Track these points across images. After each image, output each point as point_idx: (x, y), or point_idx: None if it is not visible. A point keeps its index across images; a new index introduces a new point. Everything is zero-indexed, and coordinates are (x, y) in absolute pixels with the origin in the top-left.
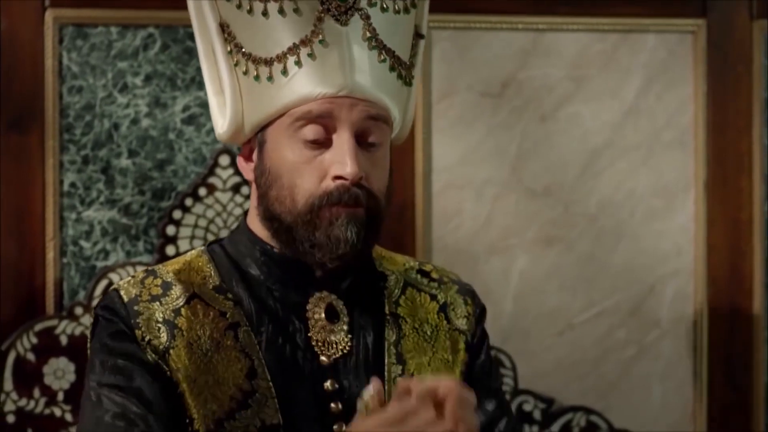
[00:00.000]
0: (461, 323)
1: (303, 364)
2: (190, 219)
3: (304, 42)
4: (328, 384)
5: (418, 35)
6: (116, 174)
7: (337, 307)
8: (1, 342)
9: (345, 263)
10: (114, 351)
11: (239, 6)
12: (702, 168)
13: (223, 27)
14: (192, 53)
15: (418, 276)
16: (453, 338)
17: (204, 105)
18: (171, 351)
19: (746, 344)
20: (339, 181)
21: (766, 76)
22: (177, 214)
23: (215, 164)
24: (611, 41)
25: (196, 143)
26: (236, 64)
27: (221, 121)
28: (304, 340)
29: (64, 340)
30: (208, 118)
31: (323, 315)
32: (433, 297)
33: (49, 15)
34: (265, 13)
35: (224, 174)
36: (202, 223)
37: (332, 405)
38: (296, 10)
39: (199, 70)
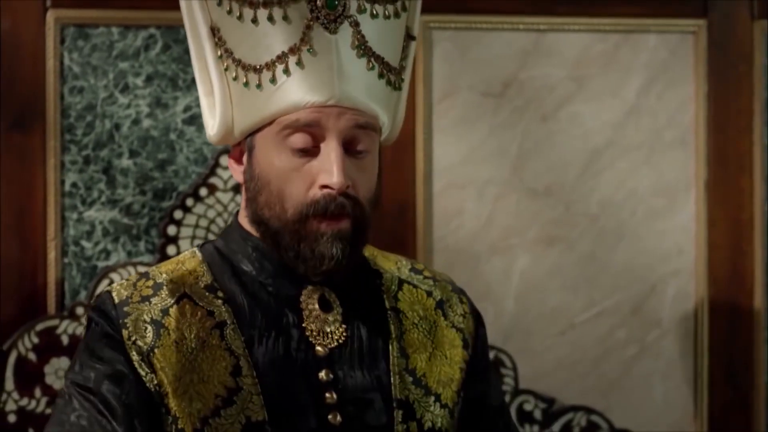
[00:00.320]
0: (458, 320)
1: (296, 356)
2: (191, 219)
3: (293, 50)
4: (322, 374)
5: (409, 37)
6: (117, 174)
7: (329, 298)
8: (3, 342)
9: (329, 276)
10: (95, 354)
11: (230, 12)
12: (703, 168)
13: (214, 31)
14: None
15: (412, 273)
16: (450, 335)
17: None
18: (156, 350)
19: (747, 344)
20: (326, 190)
21: (766, 75)
22: (178, 214)
23: (216, 164)
24: (612, 41)
25: (197, 143)
26: (226, 69)
27: (211, 123)
28: (298, 332)
29: (65, 339)
30: None
31: (317, 305)
32: (429, 293)
33: (51, 15)
34: (254, 20)
35: (225, 174)
36: (203, 223)
37: (327, 395)
38: (285, 18)
39: None
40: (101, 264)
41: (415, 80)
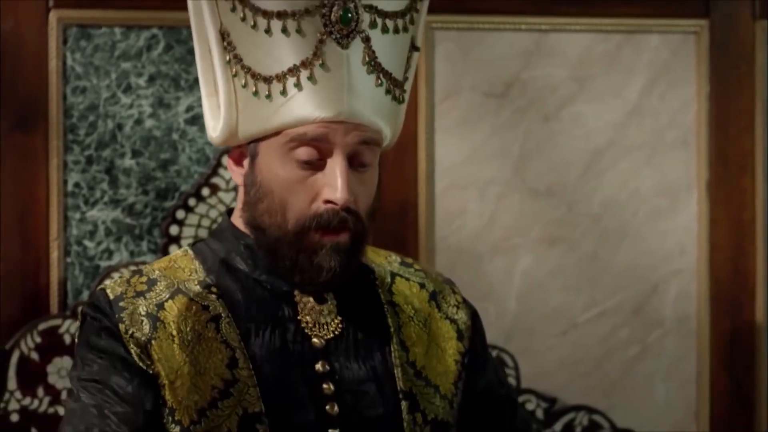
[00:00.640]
0: (452, 312)
1: (293, 348)
2: (193, 219)
3: (305, 64)
4: (319, 365)
5: (413, 47)
6: (120, 174)
7: (323, 292)
8: (6, 341)
9: (324, 286)
10: (96, 347)
11: (243, 19)
12: (705, 168)
13: (224, 35)
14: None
15: (403, 267)
16: (445, 327)
17: None
18: (153, 342)
19: (749, 343)
20: (329, 205)
21: None
22: (180, 214)
23: (218, 164)
24: (614, 42)
25: (199, 143)
26: (235, 75)
27: (213, 124)
28: (294, 324)
29: (67, 339)
30: None
31: (311, 298)
32: (422, 285)
33: (53, 16)
34: (268, 30)
35: (227, 174)
36: (206, 222)
37: (324, 386)
38: (299, 31)
39: None
40: (104, 264)
41: (418, 80)
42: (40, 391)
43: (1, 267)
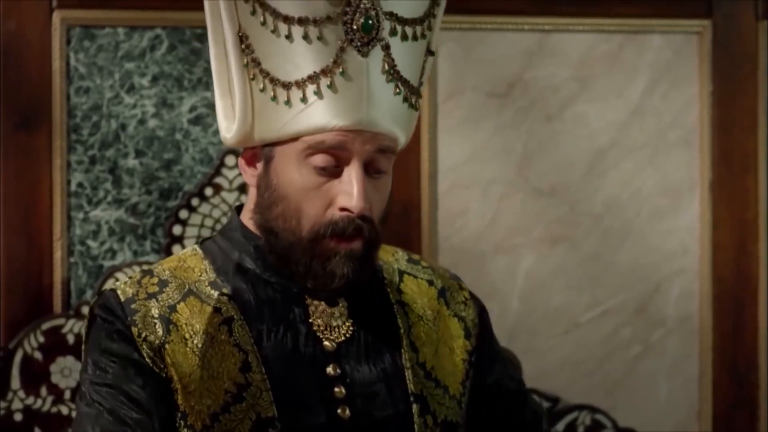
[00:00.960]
0: (459, 309)
1: (305, 351)
2: (196, 219)
3: (325, 72)
4: (330, 369)
5: (429, 52)
6: (123, 174)
7: (335, 298)
8: (9, 341)
9: (335, 292)
10: (108, 351)
11: (263, 23)
12: (708, 167)
13: (242, 38)
14: (199, 54)
15: (410, 264)
16: (453, 325)
17: (210, 106)
18: (166, 346)
19: (751, 343)
20: (345, 213)
21: None
22: (183, 213)
23: (221, 164)
24: (617, 42)
25: (202, 143)
26: (252, 78)
27: (226, 124)
28: (305, 326)
29: (71, 339)
30: (215, 118)
31: (322, 300)
32: (431, 282)
33: (57, 16)
34: (288, 36)
35: (230, 174)
36: (209, 222)
37: (335, 389)
38: (320, 38)
39: (206, 70)
40: (107, 263)
41: None
42: (44, 391)
43: (5, 266)
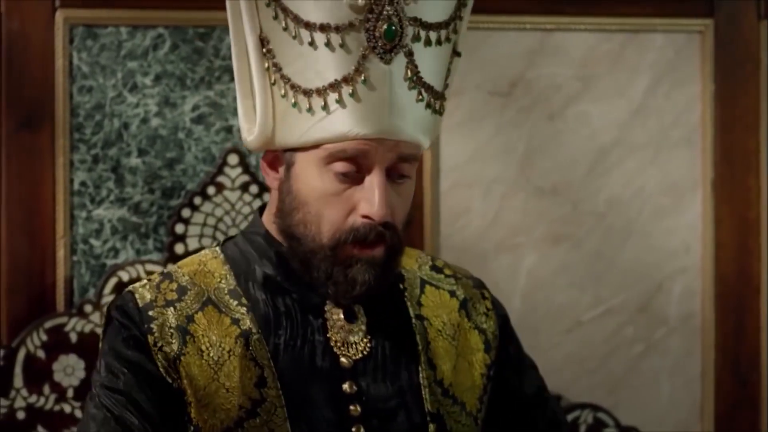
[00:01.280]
0: (481, 321)
1: (321, 366)
2: (199, 217)
3: (347, 80)
4: (346, 386)
5: (455, 53)
6: (126, 173)
7: (354, 308)
8: (12, 339)
9: (357, 301)
10: (122, 356)
11: (285, 29)
12: (710, 166)
13: (263, 42)
14: (201, 53)
15: (433, 273)
16: (473, 338)
17: (213, 104)
18: (182, 358)
19: (754, 341)
20: (366, 220)
21: None
22: (186, 212)
23: (224, 163)
24: (619, 41)
25: (205, 142)
26: (273, 83)
27: (248, 127)
28: (323, 342)
29: (73, 337)
30: (218, 117)
31: (342, 315)
32: (452, 293)
33: (60, 15)
34: (312, 43)
35: (233, 173)
36: (211, 221)
37: (351, 407)
38: (342, 45)
39: (208, 69)
40: (110, 262)
41: None
42: (46, 389)
43: (8, 265)
